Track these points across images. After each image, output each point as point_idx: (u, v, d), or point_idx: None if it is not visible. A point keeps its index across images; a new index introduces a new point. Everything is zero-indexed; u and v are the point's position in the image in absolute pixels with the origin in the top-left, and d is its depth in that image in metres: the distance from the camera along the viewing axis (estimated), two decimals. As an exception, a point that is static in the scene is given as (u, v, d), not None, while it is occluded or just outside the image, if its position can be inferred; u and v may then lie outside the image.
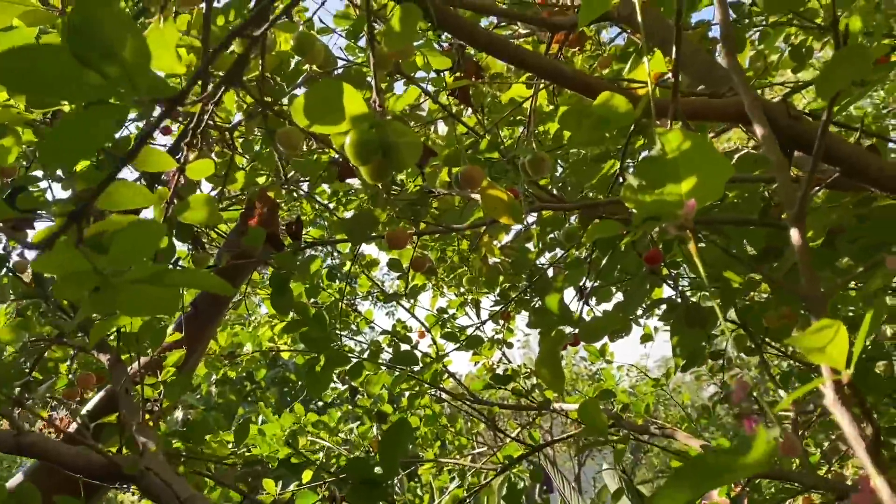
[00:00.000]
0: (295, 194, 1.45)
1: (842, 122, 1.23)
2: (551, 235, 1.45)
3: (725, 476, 0.40)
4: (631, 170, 1.06)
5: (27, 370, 1.00)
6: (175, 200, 0.70)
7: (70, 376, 1.20)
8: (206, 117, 0.77)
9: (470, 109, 1.64)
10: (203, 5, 0.97)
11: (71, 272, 0.49)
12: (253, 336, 1.96)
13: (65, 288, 0.48)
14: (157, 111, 0.74)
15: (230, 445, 1.40)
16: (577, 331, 1.03)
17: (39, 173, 1.34)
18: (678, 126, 0.68)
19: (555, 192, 1.50)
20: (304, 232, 1.30)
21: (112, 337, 1.17)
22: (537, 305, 1.20)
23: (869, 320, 0.40)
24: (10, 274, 1.13)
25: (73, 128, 0.41)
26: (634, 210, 0.50)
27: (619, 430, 1.28)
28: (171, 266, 0.92)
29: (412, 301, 2.16)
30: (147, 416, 1.01)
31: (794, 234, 0.51)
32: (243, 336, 2.01)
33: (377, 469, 0.84)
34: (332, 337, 1.34)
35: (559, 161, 1.81)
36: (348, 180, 1.40)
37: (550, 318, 0.96)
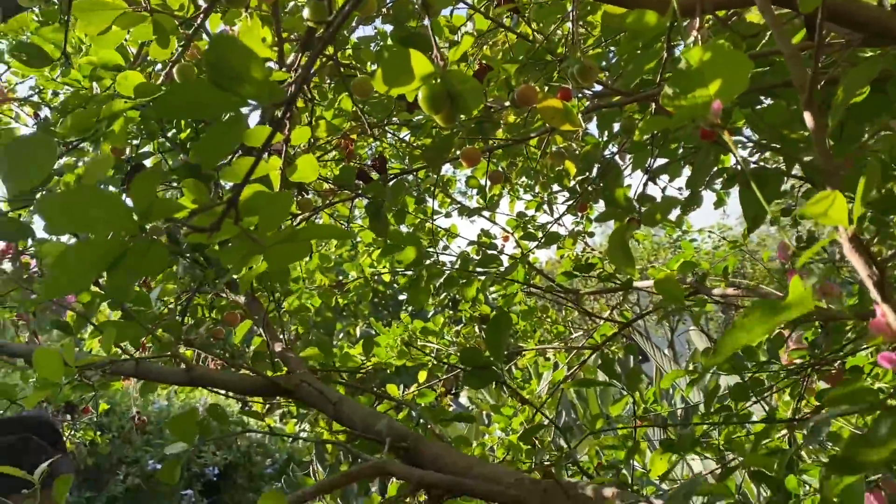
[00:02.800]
0: (375, 132, 1.57)
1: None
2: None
3: (774, 319, 0.51)
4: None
5: (183, 314, 1.20)
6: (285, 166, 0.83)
7: (212, 317, 1.40)
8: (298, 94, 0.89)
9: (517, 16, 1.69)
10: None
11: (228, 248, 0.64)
12: (356, 265, 2.14)
13: (226, 255, 0.62)
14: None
15: (357, 358, 1.60)
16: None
17: (147, 149, 1.52)
18: (707, 28, 0.76)
19: (609, 82, 1.56)
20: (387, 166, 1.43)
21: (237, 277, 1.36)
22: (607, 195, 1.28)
23: (863, 183, 0.50)
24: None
25: (218, 133, 0.55)
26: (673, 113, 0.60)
27: (699, 295, 1.39)
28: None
29: (492, 212, 2.28)
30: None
31: (808, 117, 0.60)
32: (348, 266, 2.20)
33: (486, 355, 0.99)
34: (426, 255, 1.49)
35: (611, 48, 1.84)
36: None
37: (616, 210, 1.06)
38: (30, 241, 1.54)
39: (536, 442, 1.46)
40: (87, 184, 0.50)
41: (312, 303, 1.99)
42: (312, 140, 1.30)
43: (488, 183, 1.67)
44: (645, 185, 1.40)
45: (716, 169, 1.80)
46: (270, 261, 0.63)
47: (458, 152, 1.23)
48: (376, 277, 2.04)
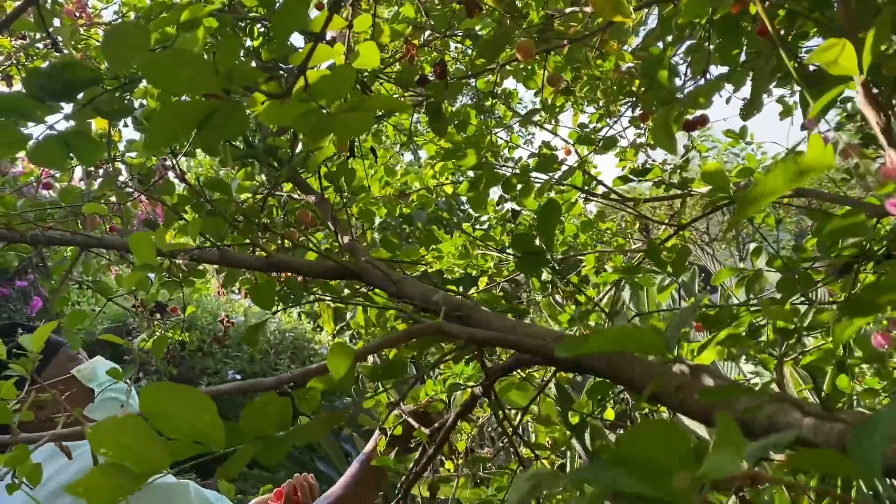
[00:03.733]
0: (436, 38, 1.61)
1: None
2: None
3: (796, 174, 0.55)
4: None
5: (261, 211, 1.30)
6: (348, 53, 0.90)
7: (284, 217, 1.51)
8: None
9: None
10: None
11: (299, 114, 0.71)
12: (419, 177, 2.22)
13: (298, 122, 0.70)
14: None
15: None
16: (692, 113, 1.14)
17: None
18: None
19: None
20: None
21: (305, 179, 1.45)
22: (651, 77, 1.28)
23: (874, 33, 0.53)
24: (227, 143, 1.43)
25: (283, 15, 0.62)
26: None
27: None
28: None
29: (554, 123, 2.30)
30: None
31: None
32: (410, 178, 2.28)
33: (538, 242, 1.05)
34: (487, 159, 1.54)
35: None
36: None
37: (661, 91, 1.08)
38: (122, 147, 1.67)
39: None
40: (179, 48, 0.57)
41: (378, 213, 2.09)
42: (376, 41, 1.35)
43: (547, 89, 1.69)
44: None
45: (779, 76, 1.77)
46: (337, 130, 0.70)
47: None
48: (439, 188, 2.12)
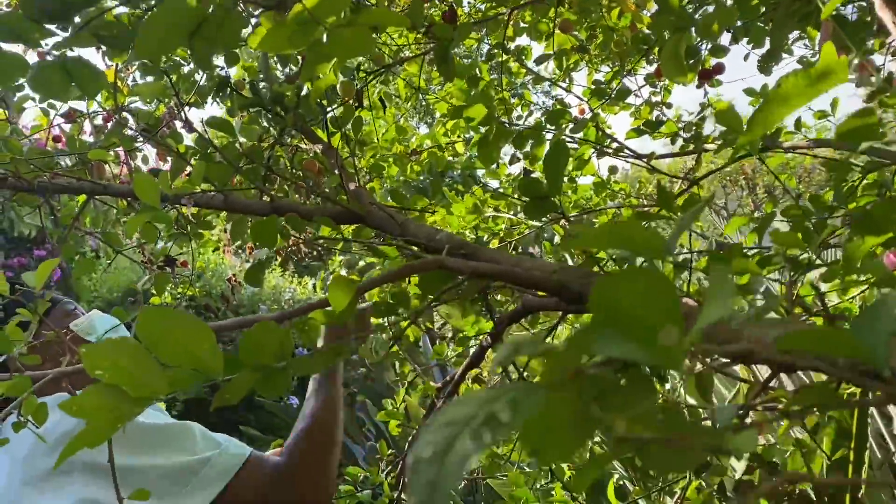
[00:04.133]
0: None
1: None
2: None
3: (811, 88, 0.53)
4: None
5: (267, 160, 1.29)
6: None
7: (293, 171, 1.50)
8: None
9: None
10: None
11: (292, 32, 0.69)
12: (431, 135, 2.20)
13: (294, 40, 0.67)
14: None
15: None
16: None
17: None
18: None
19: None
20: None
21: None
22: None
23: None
24: (234, 91, 1.41)
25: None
26: None
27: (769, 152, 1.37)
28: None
29: (568, 81, 2.26)
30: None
31: None
32: (420, 138, 2.26)
33: (546, 186, 1.03)
34: (497, 114, 1.51)
35: None
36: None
37: (671, 18, 1.05)
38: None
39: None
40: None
41: (389, 172, 2.07)
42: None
43: (557, 33, 1.66)
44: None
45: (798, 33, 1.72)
46: (334, 48, 0.68)
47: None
48: (450, 146, 2.09)
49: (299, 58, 1.37)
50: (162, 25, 0.57)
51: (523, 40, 2.25)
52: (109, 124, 1.86)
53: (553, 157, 1.03)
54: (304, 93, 1.26)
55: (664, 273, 0.27)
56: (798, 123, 1.37)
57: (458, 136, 2.17)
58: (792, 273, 0.62)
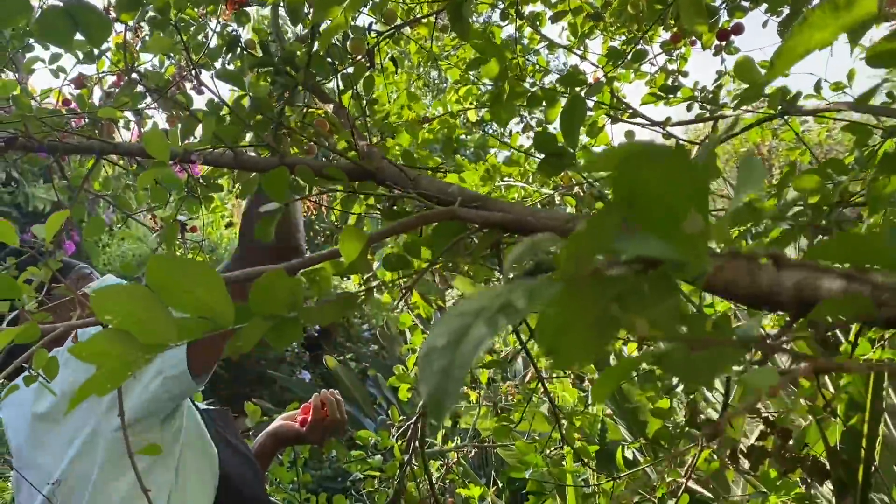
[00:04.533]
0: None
1: None
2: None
3: (848, 15, 0.51)
4: None
5: (279, 116, 1.28)
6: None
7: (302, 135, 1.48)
8: None
9: None
10: None
11: None
12: (442, 102, 2.18)
13: None
14: None
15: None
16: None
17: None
18: None
19: None
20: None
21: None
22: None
23: None
24: (245, 51, 1.40)
25: None
26: None
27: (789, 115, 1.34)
28: None
29: (583, 49, 2.23)
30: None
31: None
32: (434, 104, 2.24)
33: (560, 142, 1.01)
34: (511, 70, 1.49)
35: None
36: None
37: None
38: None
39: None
40: None
41: (400, 140, 2.05)
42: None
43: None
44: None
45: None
46: None
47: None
48: (462, 114, 2.07)
49: (309, 17, 1.35)
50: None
51: (537, 7, 2.21)
52: (117, 89, 1.85)
53: (570, 111, 1.01)
54: (314, 50, 1.25)
55: (686, 154, 0.25)
56: (817, 86, 1.34)
57: (471, 103, 2.14)
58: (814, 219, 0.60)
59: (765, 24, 1.82)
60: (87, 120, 1.49)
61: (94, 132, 1.43)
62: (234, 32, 1.42)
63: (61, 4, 0.74)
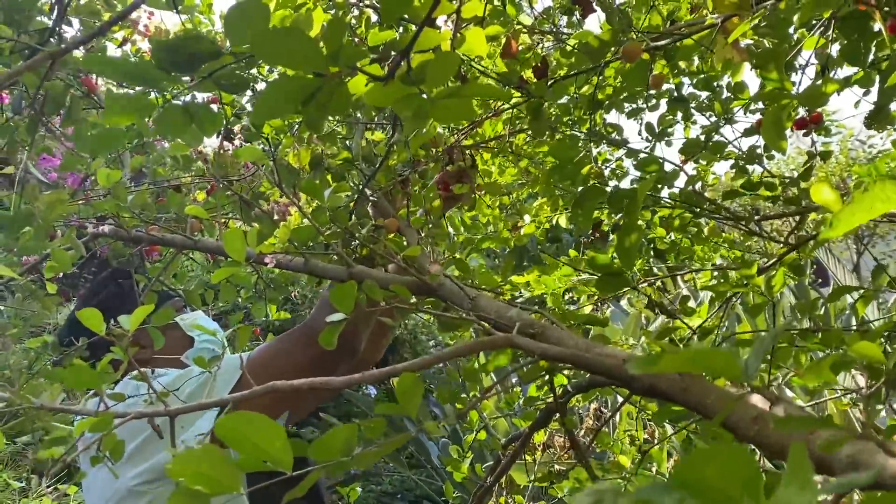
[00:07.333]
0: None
1: None
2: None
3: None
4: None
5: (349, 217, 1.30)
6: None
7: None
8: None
9: None
10: None
11: (401, 98, 0.68)
12: (529, 209, 2.17)
13: (399, 106, 0.67)
14: None
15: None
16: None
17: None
18: None
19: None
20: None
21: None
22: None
23: None
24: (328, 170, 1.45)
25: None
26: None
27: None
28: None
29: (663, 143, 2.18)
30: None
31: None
32: (522, 208, 2.22)
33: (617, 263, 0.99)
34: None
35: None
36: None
37: (773, 86, 0.98)
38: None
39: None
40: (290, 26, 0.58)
41: (482, 245, 2.04)
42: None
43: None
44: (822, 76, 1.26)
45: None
46: (436, 115, 0.67)
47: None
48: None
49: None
50: (279, 93, 0.60)
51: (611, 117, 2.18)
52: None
53: (624, 234, 0.99)
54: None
55: (744, 451, 0.25)
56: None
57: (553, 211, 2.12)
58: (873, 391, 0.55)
59: (857, 104, 1.74)
60: (174, 215, 1.56)
61: (179, 228, 1.50)
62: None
63: (180, 104, 0.79)
